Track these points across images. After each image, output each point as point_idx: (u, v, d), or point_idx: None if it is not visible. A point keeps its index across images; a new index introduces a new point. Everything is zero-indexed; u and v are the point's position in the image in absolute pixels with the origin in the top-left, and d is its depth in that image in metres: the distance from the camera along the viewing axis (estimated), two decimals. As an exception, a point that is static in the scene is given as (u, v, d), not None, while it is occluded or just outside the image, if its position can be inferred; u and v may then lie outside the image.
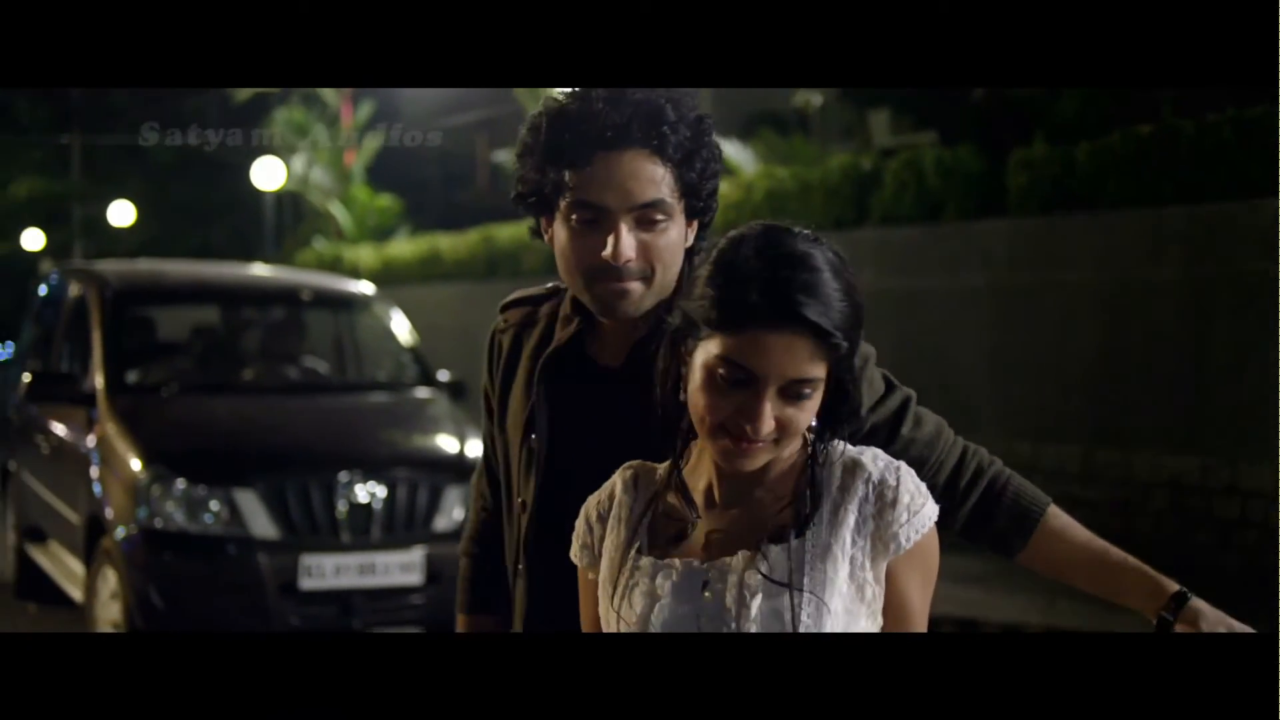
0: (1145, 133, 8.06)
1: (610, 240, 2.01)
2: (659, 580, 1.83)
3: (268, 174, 19.35)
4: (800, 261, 1.74)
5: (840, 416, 1.84)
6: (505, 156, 15.98)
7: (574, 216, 2.04)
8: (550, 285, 2.30)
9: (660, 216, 2.03)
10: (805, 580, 1.80)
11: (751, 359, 1.74)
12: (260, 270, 9.97)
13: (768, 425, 1.75)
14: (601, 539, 1.90)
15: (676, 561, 1.83)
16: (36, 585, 7.95)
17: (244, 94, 20.60)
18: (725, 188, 11.30)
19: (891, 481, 1.85)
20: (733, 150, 11.96)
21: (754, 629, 1.78)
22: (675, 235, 2.06)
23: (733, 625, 1.79)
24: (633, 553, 1.86)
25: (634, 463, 1.94)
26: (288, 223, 22.00)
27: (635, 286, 2.05)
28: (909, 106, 10.98)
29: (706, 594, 1.81)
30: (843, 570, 1.82)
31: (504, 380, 2.27)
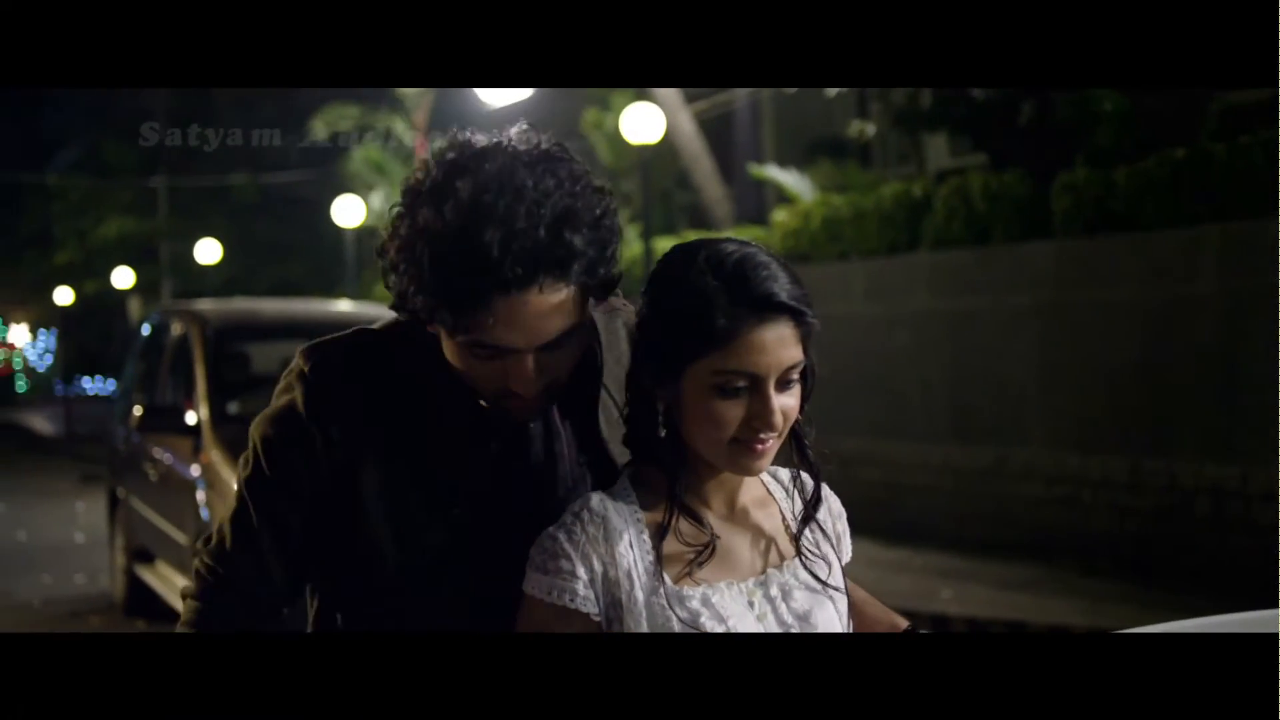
0: (1180, 156, 8.34)
1: (517, 373, 1.81)
2: (714, 602, 1.79)
3: (347, 211, 19.93)
4: (753, 259, 1.77)
5: (807, 399, 1.86)
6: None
7: (472, 351, 1.82)
8: (354, 332, 2.00)
9: (567, 341, 1.83)
10: (838, 580, 1.90)
11: (750, 361, 1.74)
12: (345, 306, 10.51)
13: (779, 417, 1.77)
14: (604, 576, 1.79)
15: (719, 583, 1.81)
16: (144, 603, 8.50)
17: (323, 133, 21.25)
18: (783, 215, 11.73)
19: (831, 495, 1.99)
20: (791, 180, 12.36)
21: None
22: (579, 341, 1.87)
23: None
24: (658, 581, 1.80)
25: (595, 493, 1.86)
26: (367, 258, 22.61)
27: (541, 401, 1.88)
28: (962, 130, 11.27)
29: (758, 609, 1.82)
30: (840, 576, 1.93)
31: (367, 447, 1.90)
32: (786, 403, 1.79)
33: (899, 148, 13.30)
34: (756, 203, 15.16)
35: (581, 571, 1.78)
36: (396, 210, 1.83)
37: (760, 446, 1.78)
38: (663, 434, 1.81)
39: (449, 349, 1.85)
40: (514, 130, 1.86)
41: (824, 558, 1.91)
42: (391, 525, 1.90)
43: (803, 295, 1.78)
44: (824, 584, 1.87)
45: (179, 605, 7.61)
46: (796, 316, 1.77)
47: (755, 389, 1.76)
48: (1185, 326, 8.28)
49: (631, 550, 1.79)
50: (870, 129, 11.86)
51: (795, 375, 1.79)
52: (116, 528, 9.28)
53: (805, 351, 1.80)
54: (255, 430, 1.97)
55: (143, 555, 8.58)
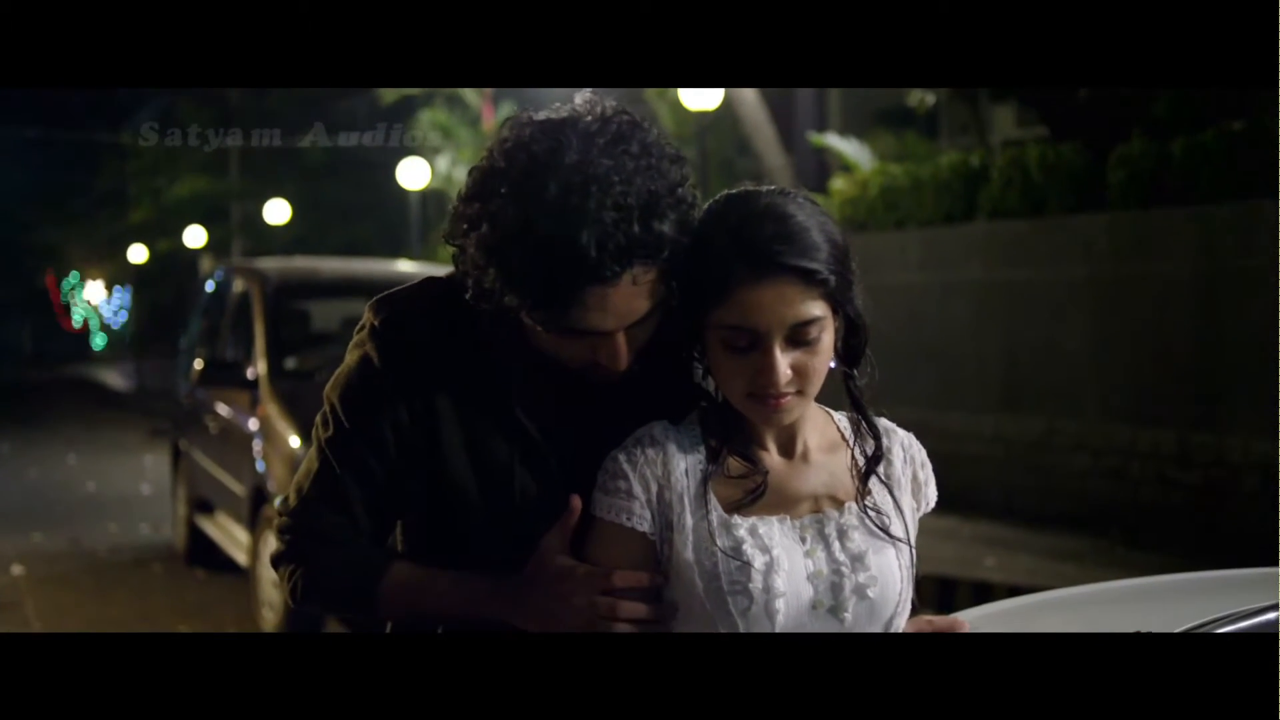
0: (1237, 129, 8.31)
1: (607, 351, 1.84)
2: (761, 533, 1.79)
3: (413, 174, 20.08)
4: (765, 213, 1.75)
5: (859, 350, 1.85)
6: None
7: (559, 333, 1.84)
8: (423, 282, 2.03)
9: (655, 313, 1.85)
10: (901, 531, 1.86)
11: (747, 317, 1.73)
12: (405, 266, 10.67)
13: (784, 376, 1.74)
14: (659, 497, 1.82)
15: (771, 518, 1.81)
16: (205, 553, 8.77)
17: (390, 96, 21.44)
18: (842, 184, 11.76)
19: (913, 444, 1.95)
20: (850, 149, 12.38)
21: (874, 583, 1.81)
22: (664, 306, 1.85)
23: (855, 579, 1.80)
24: (708, 509, 1.81)
25: (661, 422, 1.87)
26: (432, 220, 22.85)
27: (628, 364, 1.88)
28: (1022, 101, 11.24)
29: (808, 545, 1.81)
30: (912, 525, 1.91)
31: (446, 396, 1.94)
32: (803, 360, 1.76)
33: (961, 118, 13.25)
34: (818, 171, 15.16)
35: (639, 491, 1.81)
36: (471, 203, 1.81)
37: (774, 402, 1.78)
38: (705, 379, 1.86)
39: (532, 326, 1.85)
40: (578, 100, 1.85)
41: (886, 510, 1.87)
42: (477, 472, 1.93)
43: (817, 253, 1.74)
44: (887, 534, 1.84)
45: (238, 555, 7.83)
46: (801, 274, 1.73)
47: (759, 346, 1.75)
48: (1238, 301, 8.25)
49: (687, 477, 1.82)
50: (930, 99, 11.85)
51: (814, 332, 1.76)
52: (179, 479, 9.54)
53: (836, 306, 1.77)
54: (332, 390, 1.99)
55: (203, 506, 8.83)
